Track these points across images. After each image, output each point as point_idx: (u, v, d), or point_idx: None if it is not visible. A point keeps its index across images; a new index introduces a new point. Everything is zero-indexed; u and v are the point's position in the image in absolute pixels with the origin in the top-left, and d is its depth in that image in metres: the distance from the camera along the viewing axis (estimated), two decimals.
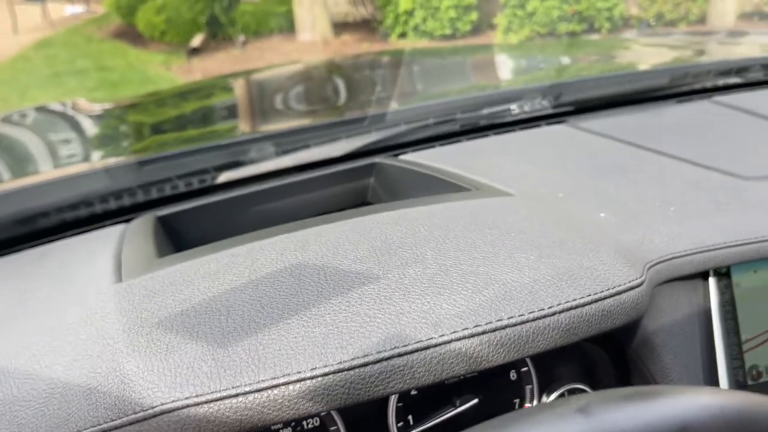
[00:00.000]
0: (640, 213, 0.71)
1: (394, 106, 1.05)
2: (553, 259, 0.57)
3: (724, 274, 0.70)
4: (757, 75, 1.22)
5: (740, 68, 1.20)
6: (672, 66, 1.20)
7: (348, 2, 7.45)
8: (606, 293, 0.55)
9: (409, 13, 6.06)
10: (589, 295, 0.54)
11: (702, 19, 5.22)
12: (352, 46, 6.42)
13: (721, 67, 1.19)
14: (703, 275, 0.68)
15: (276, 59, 6.00)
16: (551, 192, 0.76)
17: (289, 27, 6.93)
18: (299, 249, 0.59)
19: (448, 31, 6.04)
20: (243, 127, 1.18)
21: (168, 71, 6.02)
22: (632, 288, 0.57)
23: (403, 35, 6.16)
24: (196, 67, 6.37)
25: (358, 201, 0.94)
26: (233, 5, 7.35)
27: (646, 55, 1.64)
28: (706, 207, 0.72)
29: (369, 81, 1.21)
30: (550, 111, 1.11)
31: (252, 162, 0.89)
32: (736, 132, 0.95)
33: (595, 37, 5.36)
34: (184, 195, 0.84)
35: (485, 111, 1.09)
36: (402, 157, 0.94)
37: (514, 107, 1.10)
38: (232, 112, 1.25)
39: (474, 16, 6.10)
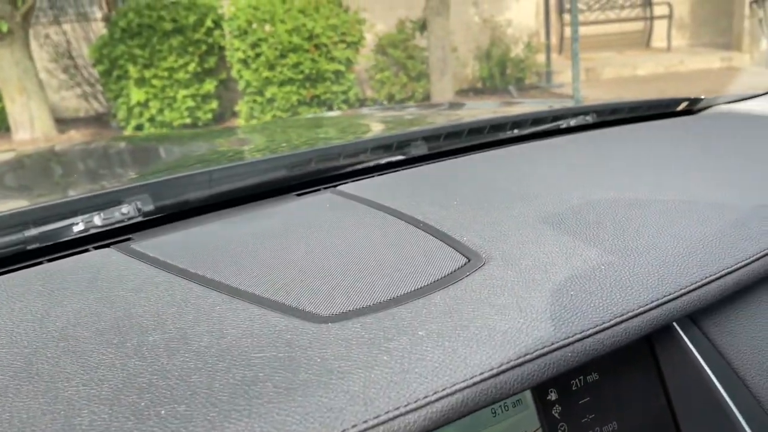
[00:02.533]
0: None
1: None
2: None
3: None
4: (418, 150, 1.05)
5: (378, 147, 1.04)
6: (295, 152, 1.01)
7: (77, 96, 6.85)
8: None
9: (143, 105, 5.67)
10: None
11: (427, 97, 5.63)
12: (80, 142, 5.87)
13: (356, 149, 1.02)
14: None
15: None
16: None
17: (5, 126, 6.18)
18: None
19: (187, 121, 5.76)
20: None
21: None
22: None
23: (139, 127, 5.74)
24: None
25: None
26: None
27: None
28: (224, 394, 0.45)
29: None
30: (139, 220, 0.83)
31: None
32: (343, 236, 0.72)
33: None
34: None
35: (32, 232, 0.77)
36: None
37: (78, 221, 0.81)
38: None
39: (214, 104, 5.91)
